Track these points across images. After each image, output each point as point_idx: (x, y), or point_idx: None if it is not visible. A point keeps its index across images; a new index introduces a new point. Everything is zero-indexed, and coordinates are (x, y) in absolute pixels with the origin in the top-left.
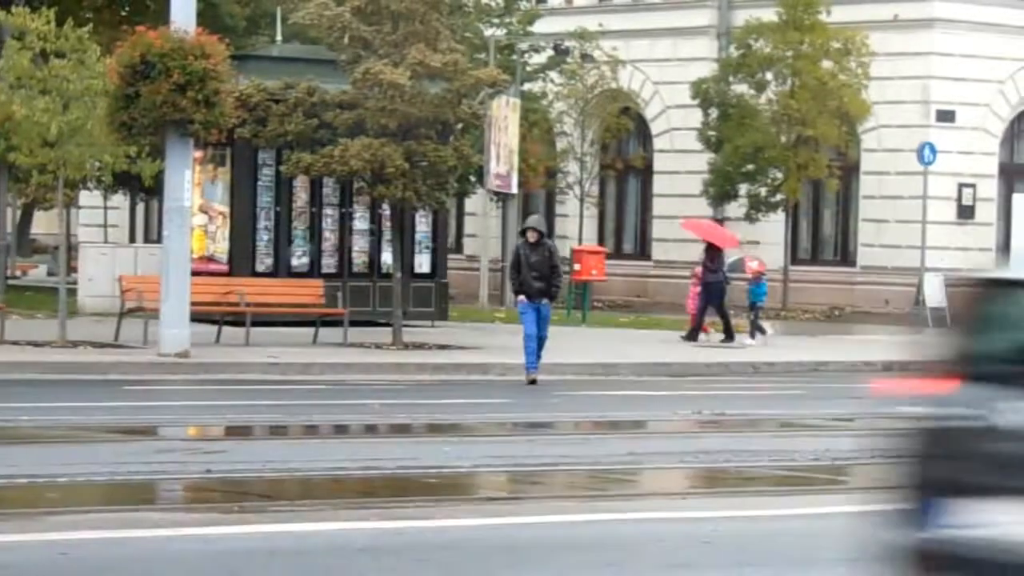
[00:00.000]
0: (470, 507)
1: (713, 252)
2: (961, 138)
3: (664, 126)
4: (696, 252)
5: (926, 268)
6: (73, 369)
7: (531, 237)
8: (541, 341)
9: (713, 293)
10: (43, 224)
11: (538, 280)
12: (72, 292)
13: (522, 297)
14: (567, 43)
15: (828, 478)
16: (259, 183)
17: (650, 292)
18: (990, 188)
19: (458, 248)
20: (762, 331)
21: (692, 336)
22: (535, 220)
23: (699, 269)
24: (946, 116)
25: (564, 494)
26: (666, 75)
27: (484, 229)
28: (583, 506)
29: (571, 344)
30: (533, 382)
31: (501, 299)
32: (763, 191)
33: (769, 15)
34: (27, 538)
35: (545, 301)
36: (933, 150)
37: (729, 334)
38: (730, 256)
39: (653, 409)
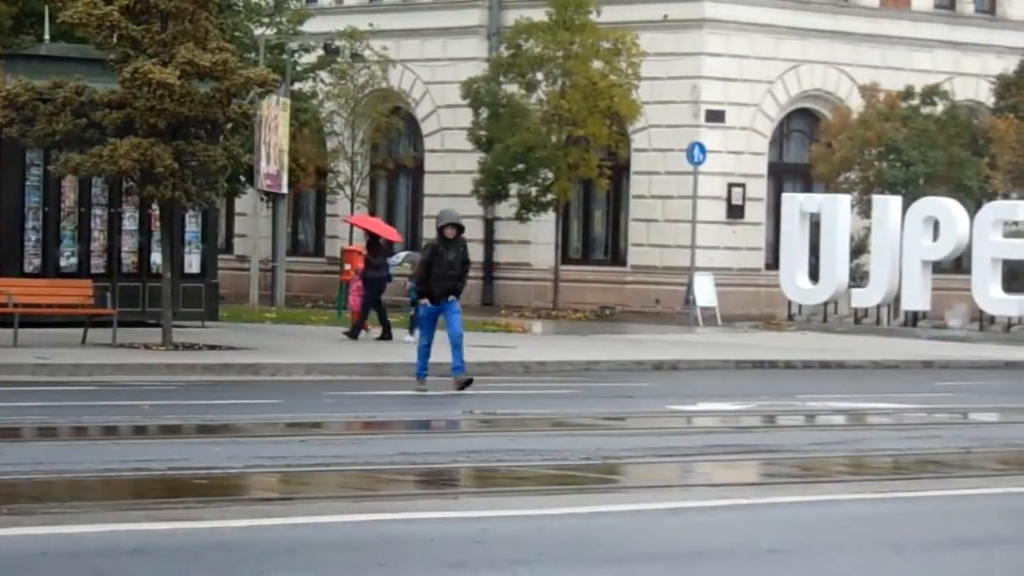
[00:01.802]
0: (242, 508)
1: (376, 247)
2: (731, 138)
3: (435, 126)
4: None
5: (696, 267)
6: None
7: (450, 233)
8: (459, 338)
9: (373, 288)
10: None
11: (449, 280)
12: None
13: (426, 301)
14: (337, 43)
15: (599, 477)
16: (27, 183)
17: None
18: (760, 188)
19: (228, 248)
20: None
21: (354, 334)
22: (454, 215)
23: (359, 264)
24: (716, 116)
25: (336, 494)
26: (437, 75)
27: (254, 229)
28: (355, 506)
29: (342, 344)
30: (423, 389)
31: (272, 299)
32: (534, 191)
33: (539, 15)
34: None
35: (451, 298)
36: (703, 150)
37: (387, 332)
38: (400, 252)
39: (425, 409)
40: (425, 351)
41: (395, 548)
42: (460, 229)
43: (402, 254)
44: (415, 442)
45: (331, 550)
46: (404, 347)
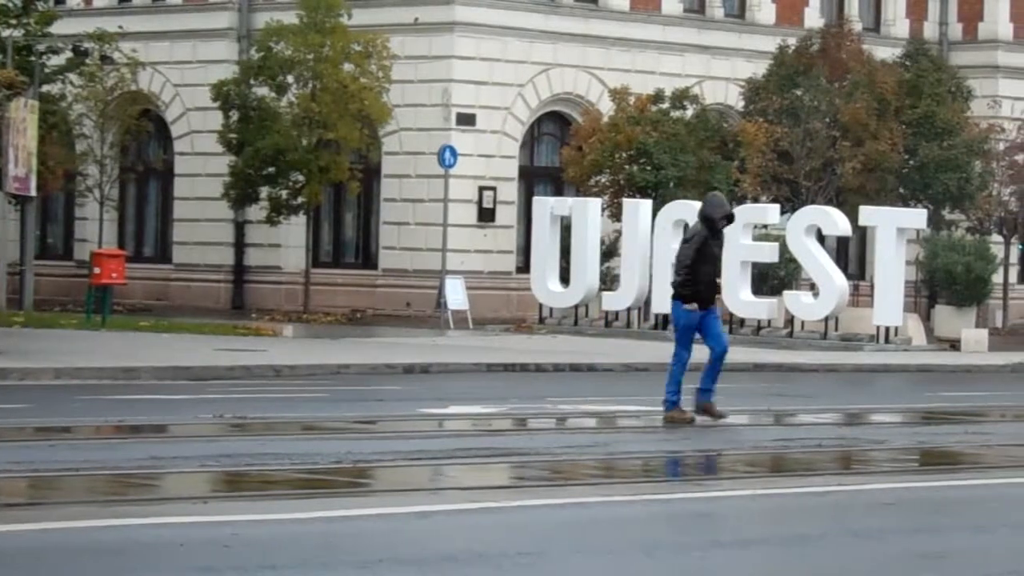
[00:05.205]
0: None
1: None
2: (481, 141)
3: (185, 128)
4: (218, 254)
5: (447, 271)
6: None
7: (723, 226)
8: (722, 356)
9: None
10: None
11: (715, 281)
12: None
13: (695, 305)
14: (86, 45)
15: (350, 480)
16: None
17: (171, 295)
18: (510, 191)
19: None
20: None
21: None
22: (727, 203)
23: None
24: (466, 119)
25: (85, 499)
26: (187, 77)
27: (2, 232)
28: (104, 511)
29: (91, 347)
30: (689, 421)
31: (20, 303)
32: (284, 194)
33: (290, 18)
34: None
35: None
36: (454, 153)
37: None
38: None
39: (175, 413)
40: (683, 370)
41: (144, 553)
42: (732, 221)
43: None
44: (165, 446)
45: (80, 555)
46: (156, 347)
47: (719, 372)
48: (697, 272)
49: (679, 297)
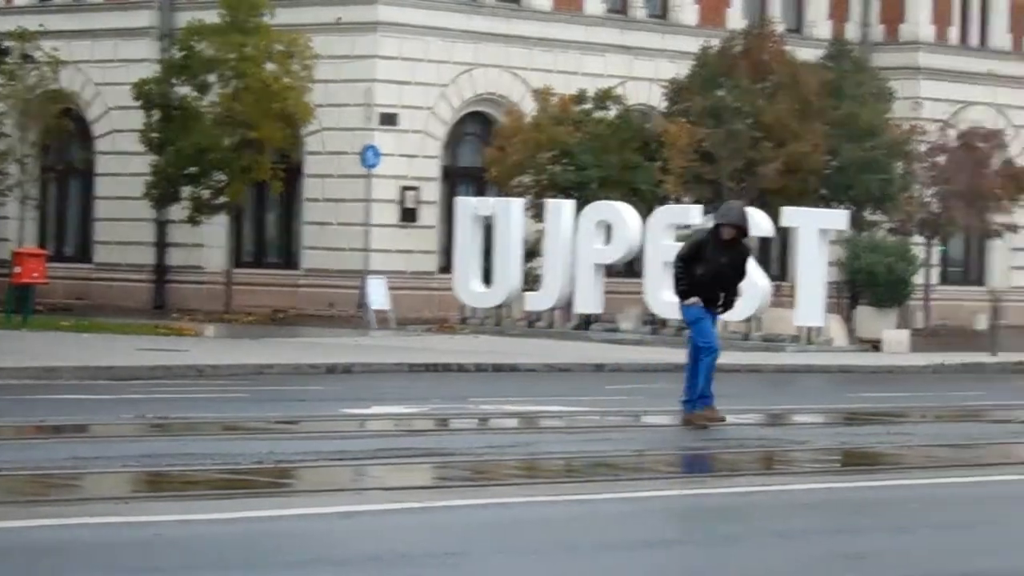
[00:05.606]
0: None
1: None
2: (404, 141)
3: (106, 127)
4: (140, 254)
5: (369, 271)
6: None
7: (726, 234)
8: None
9: None
10: None
11: (721, 289)
12: None
13: (695, 299)
14: (7, 43)
15: (271, 481)
16: None
17: (92, 295)
18: (433, 191)
19: None
20: None
21: None
22: (739, 214)
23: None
24: (389, 119)
25: (5, 499)
26: (108, 76)
27: None
28: (24, 511)
29: (12, 347)
30: (720, 420)
31: None
32: (206, 193)
33: (212, 17)
34: None
35: (720, 308)
36: (376, 153)
37: None
38: None
39: (97, 413)
40: (706, 363)
41: (65, 553)
42: (743, 233)
43: None
44: (86, 446)
45: (1, 556)
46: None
47: (705, 373)
48: (688, 270)
49: (678, 296)
